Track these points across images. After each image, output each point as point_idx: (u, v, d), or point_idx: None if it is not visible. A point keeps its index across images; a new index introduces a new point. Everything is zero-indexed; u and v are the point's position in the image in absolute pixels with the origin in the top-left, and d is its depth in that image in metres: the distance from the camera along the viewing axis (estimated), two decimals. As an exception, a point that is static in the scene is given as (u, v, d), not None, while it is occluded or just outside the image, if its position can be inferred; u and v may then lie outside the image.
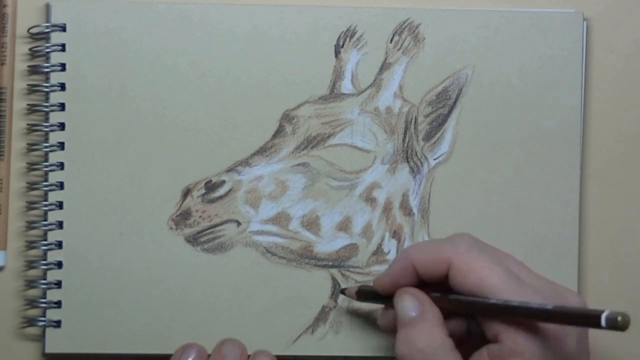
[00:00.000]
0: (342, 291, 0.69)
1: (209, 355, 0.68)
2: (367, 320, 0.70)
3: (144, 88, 0.69)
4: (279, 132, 0.70)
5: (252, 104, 0.69)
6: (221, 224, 0.69)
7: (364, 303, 0.68)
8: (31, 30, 0.70)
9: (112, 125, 0.69)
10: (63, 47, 0.69)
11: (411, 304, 0.62)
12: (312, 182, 0.70)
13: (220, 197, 0.69)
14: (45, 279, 0.69)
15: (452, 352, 0.61)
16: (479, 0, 0.71)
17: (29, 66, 0.70)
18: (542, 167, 0.70)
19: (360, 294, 0.67)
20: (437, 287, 0.62)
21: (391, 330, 0.64)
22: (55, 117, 0.69)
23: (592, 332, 0.61)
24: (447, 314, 0.63)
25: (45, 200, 0.69)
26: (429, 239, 0.70)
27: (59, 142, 0.69)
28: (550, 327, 0.59)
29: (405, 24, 0.70)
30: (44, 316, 0.69)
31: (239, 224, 0.69)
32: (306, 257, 0.70)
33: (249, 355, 0.68)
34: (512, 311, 0.58)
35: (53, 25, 0.69)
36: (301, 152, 0.69)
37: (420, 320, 0.62)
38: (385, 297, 0.65)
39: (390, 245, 0.70)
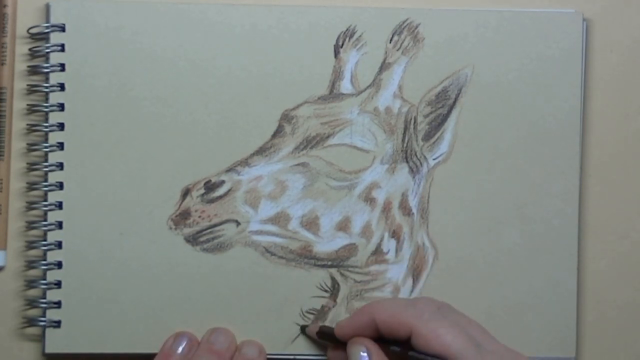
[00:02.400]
0: (303, 329, 0.70)
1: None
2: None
3: (143, 88, 0.69)
4: (278, 132, 0.70)
5: (251, 104, 0.69)
6: (220, 223, 0.69)
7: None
8: (31, 31, 0.70)
9: (112, 126, 0.69)
10: (62, 48, 0.69)
11: (362, 357, 0.64)
12: (311, 182, 0.70)
13: (220, 197, 0.69)
14: (45, 279, 0.69)
15: None
16: (479, 0, 0.71)
17: (28, 66, 0.70)
18: (541, 167, 0.70)
19: (320, 334, 0.69)
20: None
21: None
22: (54, 117, 0.69)
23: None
24: None
25: (45, 200, 0.69)
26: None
27: (59, 143, 0.69)
28: None
29: (405, 24, 0.70)
30: (44, 316, 0.69)
31: (238, 223, 0.69)
32: (305, 257, 0.70)
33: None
34: None
35: (52, 26, 0.69)
36: (300, 152, 0.70)
37: None
38: (344, 342, 0.67)
39: (389, 245, 0.70)
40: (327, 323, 0.70)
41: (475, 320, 0.65)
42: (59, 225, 0.69)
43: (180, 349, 0.68)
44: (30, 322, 0.70)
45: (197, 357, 0.67)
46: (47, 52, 0.69)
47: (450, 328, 0.62)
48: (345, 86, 0.70)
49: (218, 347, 0.68)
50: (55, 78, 0.69)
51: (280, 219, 0.70)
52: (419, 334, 0.62)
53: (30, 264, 0.70)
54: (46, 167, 0.69)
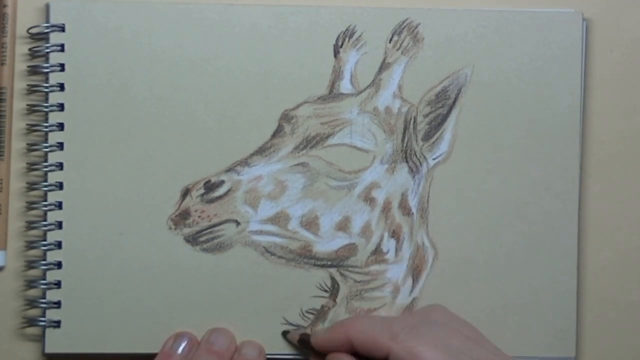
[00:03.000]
0: (284, 334, 0.70)
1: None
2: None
3: (143, 88, 0.69)
4: (278, 132, 0.70)
5: (251, 103, 0.69)
6: (220, 223, 0.69)
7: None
8: (31, 31, 0.70)
9: (111, 126, 0.69)
10: (62, 48, 0.69)
11: None
12: (311, 182, 0.70)
13: (220, 197, 0.69)
14: (45, 279, 0.69)
15: None
16: (479, 0, 0.71)
17: (28, 66, 0.70)
18: (541, 167, 0.70)
19: (301, 342, 0.69)
20: None
21: None
22: (54, 117, 0.69)
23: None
24: None
25: (45, 200, 0.69)
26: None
27: (59, 143, 0.69)
28: None
29: (405, 24, 0.70)
30: (44, 316, 0.69)
31: (238, 223, 0.69)
32: (305, 256, 0.70)
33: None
34: None
35: (52, 26, 0.69)
36: (300, 152, 0.70)
37: None
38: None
39: (389, 245, 0.70)
40: (327, 323, 0.70)
41: (461, 326, 0.65)
42: (59, 225, 0.69)
43: (180, 349, 0.68)
44: (30, 322, 0.70)
45: (197, 357, 0.67)
46: (47, 52, 0.69)
47: (426, 345, 0.62)
48: (345, 86, 0.70)
49: (218, 348, 0.68)
50: (55, 78, 0.69)
51: (280, 219, 0.70)
52: (397, 355, 0.63)
53: (30, 264, 0.70)
54: (46, 167, 0.69)
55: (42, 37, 0.70)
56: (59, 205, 0.69)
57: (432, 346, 0.62)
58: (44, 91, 0.69)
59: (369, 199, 0.70)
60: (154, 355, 0.69)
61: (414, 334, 0.63)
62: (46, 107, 0.69)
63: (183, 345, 0.69)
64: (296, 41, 0.70)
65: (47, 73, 0.69)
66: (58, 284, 0.69)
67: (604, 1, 0.71)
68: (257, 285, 0.70)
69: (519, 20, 0.70)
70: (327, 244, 0.70)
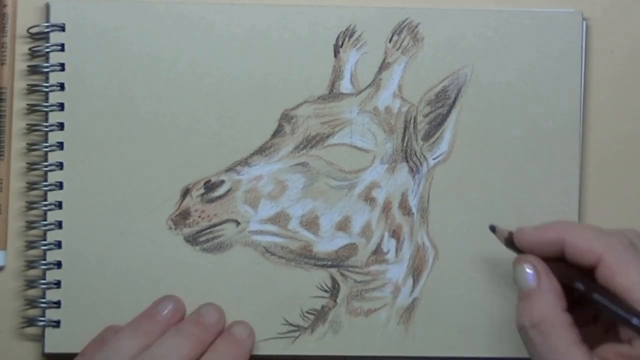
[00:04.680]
0: (492, 229, 0.66)
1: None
2: (366, 319, 0.70)
3: (143, 88, 0.69)
4: (278, 132, 0.70)
5: (251, 103, 0.69)
6: (220, 223, 0.69)
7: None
8: (31, 30, 0.70)
9: (112, 125, 0.69)
10: (62, 47, 0.69)
11: (528, 275, 0.61)
12: (311, 182, 0.70)
13: (220, 197, 0.69)
14: (44, 279, 0.69)
15: (568, 329, 0.59)
16: (479, 0, 0.71)
17: (28, 66, 0.70)
18: (541, 167, 0.70)
19: (507, 240, 0.65)
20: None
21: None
22: (54, 117, 0.69)
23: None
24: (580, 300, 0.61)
25: (45, 200, 0.69)
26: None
27: (59, 142, 0.69)
28: None
29: (405, 24, 0.70)
30: (44, 316, 0.69)
31: (238, 223, 0.69)
32: (305, 256, 0.70)
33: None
34: None
35: (52, 25, 0.69)
36: (300, 152, 0.69)
37: (536, 293, 0.61)
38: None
39: (389, 245, 0.70)
40: (327, 323, 0.70)
41: None
42: (59, 225, 0.69)
43: (165, 311, 0.68)
44: (30, 322, 0.70)
45: (183, 325, 0.67)
46: (47, 52, 0.69)
47: None
48: (345, 86, 0.70)
49: (206, 320, 0.68)
50: (55, 78, 0.69)
51: (280, 219, 0.70)
52: (607, 265, 0.59)
53: (30, 264, 0.70)
54: (46, 167, 0.69)
55: (42, 37, 0.70)
56: (59, 205, 0.69)
57: None
58: (44, 91, 0.69)
59: (369, 199, 0.70)
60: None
61: (632, 250, 0.60)
62: (46, 107, 0.69)
63: (169, 307, 0.68)
64: (296, 41, 0.70)
65: (47, 73, 0.69)
66: (58, 284, 0.69)
67: (604, 1, 0.71)
68: (257, 285, 0.70)
69: (519, 20, 0.70)
70: (327, 244, 0.70)
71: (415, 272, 0.70)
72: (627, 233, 0.62)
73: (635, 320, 0.58)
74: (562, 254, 0.61)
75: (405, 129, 0.70)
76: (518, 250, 0.64)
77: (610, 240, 0.60)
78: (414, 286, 0.70)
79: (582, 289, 0.60)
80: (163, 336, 0.66)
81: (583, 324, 0.61)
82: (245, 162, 0.69)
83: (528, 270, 0.62)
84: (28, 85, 0.70)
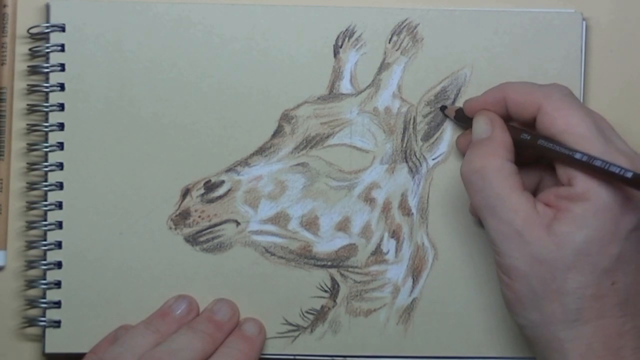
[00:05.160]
0: (443, 109, 0.69)
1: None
2: (365, 319, 0.70)
3: (143, 88, 0.69)
4: (278, 132, 0.70)
5: (251, 104, 0.70)
6: (220, 223, 0.69)
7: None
8: (31, 31, 0.70)
9: (112, 126, 0.69)
10: (62, 48, 0.69)
11: (483, 125, 0.64)
12: (311, 182, 0.70)
13: (220, 197, 0.69)
14: (45, 279, 0.69)
15: (510, 176, 0.62)
16: (478, 0, 0.71)
17: (28, 66, 0.70)
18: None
19: (457, 115, 0.68)
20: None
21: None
22: (54, 117, 0.69)
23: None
24: (526, 162, 0.64)
25: (45, 200, 0.69)
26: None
27: (59, 142, 0.69)
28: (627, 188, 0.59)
29: (404, 24, 0.70)
30: (44, 316, 0.69)
31: (238, 223, 0.70)
32: (305, 257, 0.70)
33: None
34: (592, 169, 0.59)
35: (52, 26, 0.69)
36: (300, 152, 0.70)
37: (487, 142, 0.63)
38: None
39: (389, 246, 0.70)
40: (327, 323, 0.70)
41: (605, 119, 0.64)
42: (59, 225, 0.69)
43: (179, 311, 0.68)
44: (30, 322, 0.70)
45: (195, 323, 0.67)
46: (47, 52, 0.69)
47: (578, 110, 0.61)
48: (345, 86, 0.70)
49: (219, 318, 0.68)
50: (55, 78, 0.69)
51: (279, 219, 0.70)
52: (546, 112, 0.62)
53: (30, 264, 0.70)
54: (46, 167, 0.69)
55: (42, 37, 0.70)
56: (59, 205, 0.69)
57: (584, 115, 0.61)
58: (44, 91, 0.69)
59: (369, 199, 0.70)
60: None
61: (569, 98, 0.63)
62: (46, 107, 0.69)
63: (183, 307, 0.68)
64: (296, 41, 0.70)
65: (47, 73, 0.69)
66: (58, 284, 0.69)
67: (604, 1, 0.71)
68: (257, 285, 0.70)
69: (519, 20, 0.70)
70: (327, 244, 0.70)
71: (415, 272, 0.70)
72: (566, 88, 0.64)
73: (577, 155, 0.60)
74: (507, 114, 0.64)
75: (405, 129, 0.70)
76: (469, 121, 0.66)
77: (547, 90, 0.63)
78: (413, 286, 0.70)
79: (527, 138, 0.63)
80: (176, 333, 0.67)
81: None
82: (245, 162, 0.70)
83: (484, 121, 0.64)
84: (28, 85, 0.70)
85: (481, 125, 0.64)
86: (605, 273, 0.60)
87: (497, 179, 0.61)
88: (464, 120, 0.68)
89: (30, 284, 0.70)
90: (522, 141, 0.63)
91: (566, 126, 0.61)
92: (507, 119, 0.65)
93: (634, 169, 0.59)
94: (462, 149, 0.68)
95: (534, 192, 0.64)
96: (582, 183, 0.60)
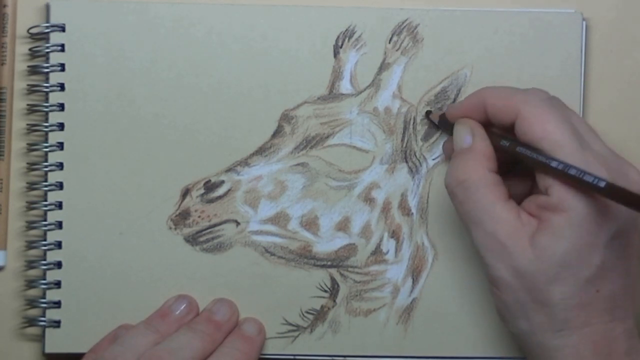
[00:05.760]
0: (428, 114, 0.69)
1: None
2: (365, 319, 0.70)
3: (143, 88, 0.69)
4: (278, 132, 0.70)
5: (251, 104, 0.70)
6: (220, 223, 0.69)
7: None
8: (31, 31, 0.70)
9: (112, 126, 0.69)
10: (62, 48, 0.69)
11: (464, 134, 0.64)
12: (311, 182, 0.70)
13: (219, 197, 0.69)
14: (45, 279, 0.69)
15: (493, 187, 0.61)
16: (478, 1, 0.71)
17: (28, 66, 0.70)
18: (541, 167, 0.70)
19: (441, 122, 0.68)
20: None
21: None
22: (54, 117, 0.69)
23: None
24: (510, 170, 0.64)
25: (45, 200, 0.69)
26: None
27: (59, 143, 0.69)
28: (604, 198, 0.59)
29: (404, 25, 0.70)
30: (44, 316, 0.69)
31: (238, 223, 0.70)
32: (305, 257, 0.70)
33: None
34: (567, 178, 0.59)
35: (52, 26, 0.69)
36: (300, 152, 0.70)
37: (468, 152, 0.63)
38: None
39: (389, 246, 0.70)
40: (326, 323, 0.70)
41: (584, 120, 0.64)
42: (59, 225, 0.69)
43: (178, 311, 0.68)
44: (30, 322, 0.70)
45: (195, 324, 0.67)
46: (47, 52, 0.69)
47: (555, 116, 0.61)
48: (345, 86, 0.70)
49: (218, 318, 0.68)
50: (55, 78, 0.69)
51: (279, 219, 0.70)
52: (524, 117, 0.61)
53: (30, 264, 0.70)
54: (46, 167, 0.69)
55: (42, 37, 0.70)
56: (59, 205, 0.69)
57: (561, 120, 0.61)
58: (44, 91, 0.69)
59: (368, 199, 0.70)
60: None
61: (547, 103, 0.62)
62: (46, 107, 0.69)
63: (182, 307, 0.68)
64: (296, 41, 0.70)
65: (47, 73, 0.69)
66: (58, 284, 0.69)
67: (604, 1, 0.71)
68: (257, 285, 0.70)
69: (519, 20, 0.70)
70: (326, 244, 0.70)
71: (415, 272, 0.70)
72: (545, 92, 0.64)
73: (554, 163, 0.59)
74: (488, 120, 0.64)
75: (405, 129, 0.70)
76: (451, 126, 0.66)
77: (526, 95, 0.63)
78: (413, 286, 0.70)
79: (506, 145, 0.62)
80: (176, 333, 0.67)
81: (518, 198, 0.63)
82: (245, 162, 0.70)
83: (465, 130, 0.64)
84: (28, 85, 0.70)
85: (461, 135, 0.64)
86: (589, 282, 0.59)
87: (480, 191, 0.61)
88: (447, 126, 0.67)
89: (30, 284, 0.70)
90: (503, 147, 0.63)
91: (543, 132, 0.60)
92: (488, 124, 0.64)
93: (609, 176, 0.59)
94: (448, 156, 0.68)
95: (527, 197, 0.64)
96: (558, 192, 0.59)
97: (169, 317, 0.68)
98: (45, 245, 0.69)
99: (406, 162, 0.70)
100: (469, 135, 0.64)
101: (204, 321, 0.68)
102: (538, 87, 0.65)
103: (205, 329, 0.67)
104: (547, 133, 0.60)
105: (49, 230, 0.69)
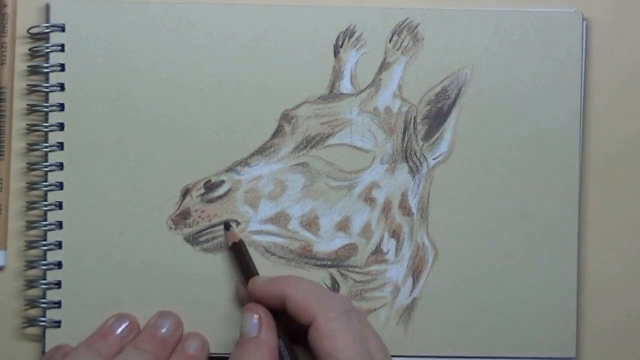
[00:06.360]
0: (227, 226, 0.69)
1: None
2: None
3: (143, 88, 0.69)
4: (278, 132, 0.70)
5: (251, 104, 0.70)
6: (220, 223, 0.69)
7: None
8: (31, 31, 0.70)
9: (111, 126, 0.69)
10: (62, 48, 0.69)
11: (252, 323, 0.64)
12: (311, 182, 0.70)
13: (220, 197, 0.69)
14: (45, 279, 0.69)
15: None
16: (479, 0, 0.71)
17: (28, 66, 0.70)
18: (541, 167, 0.70)
19: (234, 246, 0.69)
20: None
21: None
22: (54, 117, 0.69)
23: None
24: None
25: (45, 200, 0.69)
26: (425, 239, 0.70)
27: (59, 143, 0.69)
28: None
29: (404, 24, 0.70)
30: (44, 316, 0.69)
31: (238, 223, 0.69)
32: (305, 256, 0.70)
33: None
34: None
35: (52, 26, 0.69)
36: (300, 152, 0.70)
37: (254, 345, 0.63)
38: None
39: (389, 245, 0.70)
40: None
41: (380, 339, 0.64)
42: (59, 225, 0.69)
43: (119, 330, 0.68)
44: (30, 322, 0.70)
45: (139, 342, 0.67)
46: (47, 52, 0.69)
47: (348, 335, 0.61)
48: (345, 86, 0.70)
49: (162, 333, 0.67)
50: (55, 78, 0.69)
51: (280, 219, 0.70)
52: (317, 327, 0.62)
53: (30, 264, 0.70)
54: (46, 167, 0.69)
55: (42, 37, 0.70)
56: (59, 205, 0.69)
57: (352, 339, 0.61)
58: (44, 91, 0.69)
59: (369, 199, 0.70)
60: (153, 355, 0.69)
61: (344, 317, 0.62)
62: (46, 107, 0.69)
63: (123, 326, 0.68)
64: (296, 41, 0.70)
65: (47, 73, 0.69)
66: (58, 284, 0.69)
67: (604, 1, 0.71)
68: (257, 285, 0.70)
69: (519, 20, 0.70)
70: (327, 244, 0.70)
71: (415, 272, 0.70)
72: (347, 300, 0.64)
73: None
74: (284, 310, 0.64)
75: (405, 129, 0.70)
76: (239, 254, 0.68)
77: (326, 304, 0.63)
78: (413, 286, 0.70)
79: (283, 347, 0.64)
80: (121, 354, 0.66)
81: None
82: (245, 162, 0.70)
83: (253, 320, 0.64)
84: (28, 85, 0.70)
85: (249, 322, 0.64)
86: None
87: None
88: (238, 257, 0.68)
89: (30, 284, 0.70)
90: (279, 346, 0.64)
91: (331, 349, 0.61)
92: (284, 313, 0.64)
93: None
94: (239, 296, 0.69)
95: None
96: None
97: (110, 338, 0.67)
98: (45, 245, 0.69)
99: (406, 161, 0.70)
100: (256, 326, 0.64)
101: (148, 338, 0.67)
102: (340, 298, 0.64)
103: (150, 347, 0.66)
104: (334, 350, 0.61)
105: (49, 230, 0.69)
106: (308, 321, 0.62)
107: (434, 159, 0.70)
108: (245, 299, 0.67)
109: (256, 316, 0.64)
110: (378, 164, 0.70)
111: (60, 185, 0.69)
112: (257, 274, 0.68)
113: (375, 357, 0.62)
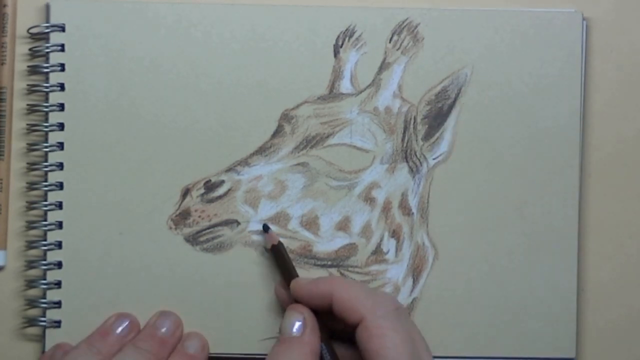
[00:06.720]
0: (266, 228, 0.69)
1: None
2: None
3: (143, 88, 0.69)
4: (278, 132, 0.70)
5: (251, 104, 0.70)
6: (220, 223, 0.69)
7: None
8: (31, 31, 0.70)
9: (112, 126, 0.69)
10: (62, 48, 0.69)
11: (295, 323, 0.64)
12: (311, 182, 0.70)
13: (220, 197, 0.69)
14: (45, 279, 0.69)
15: None
16: (479, 0, 0.71)
17: (28, 66, 0.70)
18: (541, 167, 0.70)
19: (273, 248, 0.68)
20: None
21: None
22: (54, 117, 0.69)
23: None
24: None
25: (45, 200, 0.69)
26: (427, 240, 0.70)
27: (59, 143, 0.69)
28: None
29: (404, 24, 0.70)
30: (44, 316, 0.69)
31: (238, 223, 0.69)
32: (305, 256, 0.70)
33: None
34: None
35: (52, 26, 0.69)
36: (300, 152, 0.70)
37: (297, 345, 0.63)
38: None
39: (389, 245, 0.70)
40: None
41: (424, 339, 0.64)
42: (59, 225, 0.69)
43: (119, 330, 0.68)
44: (30, 322, 0.70)
45: (139, 341, 0.67)
46: (47, 52, 0.69)
47: (397, 333, 0.61)
48: (345, 86, 0.70)
49: (162, 333, 0.67)
50: (55, 78, 0.69)
51: (280, 219, 0.70)
52: (366, 326, 0.62)
53: (30, 264, 0.70)
54: (46, 167, 0.69)
55: (42, 37, 0.70)
56: (59, 205, 0.69)
57: (401, 338, 0.61)
58: (44, 91, 0.69)
59: (369, 199, 0.70)
60: (153, 355, 0.69)
61: (393, 317, 0.62)
62: (46, 107, 0.69)
63: (123, 326, 0.68)
64: (296, 41, 0.70)
65: (47, 73, 0.69)
66: (58, 284, 0.69)
67: (604, 1, 0.71)
68: (257, 284, 0.70)
69: (519, 20, 0.70)
70: (327, 243, 0.70)
71: (415, 272, 0.70)
72: (395, 301, 0.64)
73: None
74: (329, 309, 0.64)
75: (405, 129, 0.70)
76: (279, 256, 0.68)
77: (375, 303, 0.63)
78: (413, 286, 0.70)
79: (324, 349, 0.64)
80: (120, 353, 0.66)
81: None
82: (245, 162, 0.70)
83: (299, 320, 0.64)
84: (28, 85, 0.70)
85: (292, 322, 0.64)
86: None
87: None
88: (278, 259, 0.68)
89: (30, 284, 0.70)
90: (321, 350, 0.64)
91: (379, 348, 0.61)
92: (328, 313, 0.64)
93: None
94: (280, 298, 0.69)
95: None
96: None
97: (110, 337, 0.67)
98: (45, 245, 0.69)
99: (406, 161, 0.70)
100: (300, 326, 0.64)
101: (148, 338, 0.67)
102: (388, 297, 0.65)
103: (150, 347, 0.66)
104: (383, 349, 0.61)
105: (49, 230, 0.69)
106: (356, 321, 0.62)
107: (434, 159, 0.70)
108: (286, 300, 0.67)
109: (302, 317, 0.64)
110: (378, 164, 0.70)
111: (60, 185, 0.69)
112: (297, 275, 0.68)
113: (423, 358, 0.62)
